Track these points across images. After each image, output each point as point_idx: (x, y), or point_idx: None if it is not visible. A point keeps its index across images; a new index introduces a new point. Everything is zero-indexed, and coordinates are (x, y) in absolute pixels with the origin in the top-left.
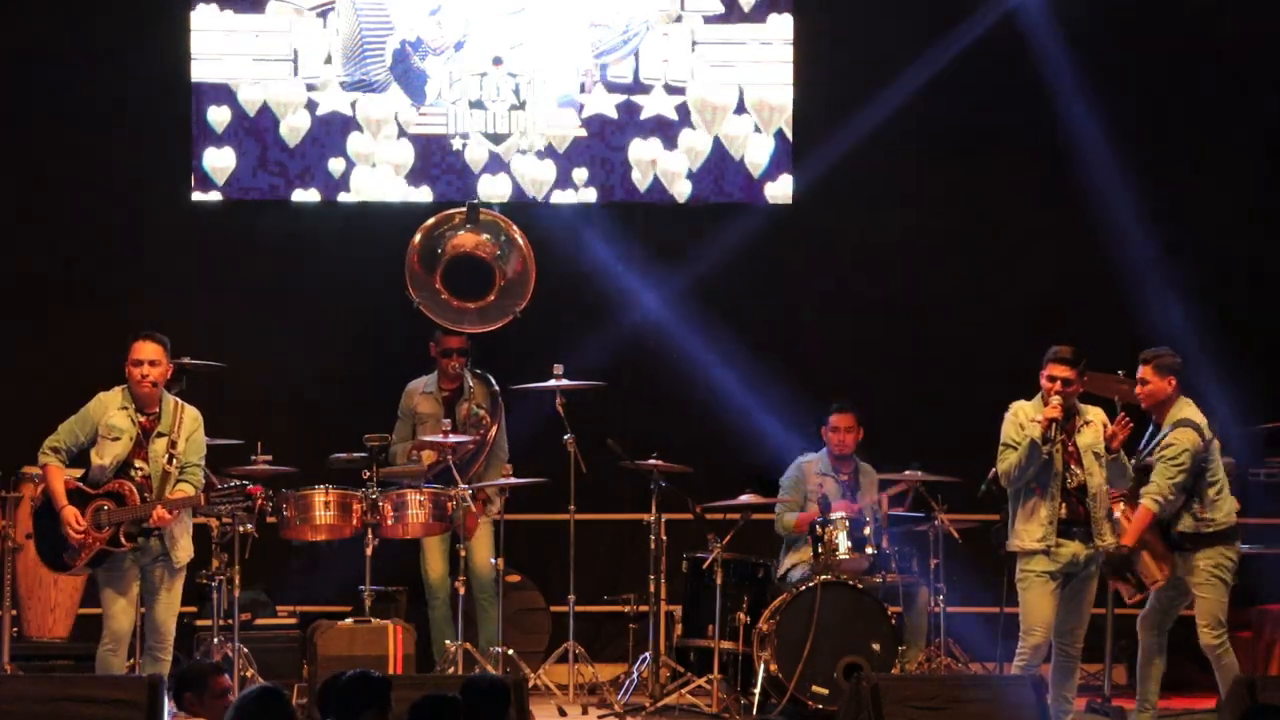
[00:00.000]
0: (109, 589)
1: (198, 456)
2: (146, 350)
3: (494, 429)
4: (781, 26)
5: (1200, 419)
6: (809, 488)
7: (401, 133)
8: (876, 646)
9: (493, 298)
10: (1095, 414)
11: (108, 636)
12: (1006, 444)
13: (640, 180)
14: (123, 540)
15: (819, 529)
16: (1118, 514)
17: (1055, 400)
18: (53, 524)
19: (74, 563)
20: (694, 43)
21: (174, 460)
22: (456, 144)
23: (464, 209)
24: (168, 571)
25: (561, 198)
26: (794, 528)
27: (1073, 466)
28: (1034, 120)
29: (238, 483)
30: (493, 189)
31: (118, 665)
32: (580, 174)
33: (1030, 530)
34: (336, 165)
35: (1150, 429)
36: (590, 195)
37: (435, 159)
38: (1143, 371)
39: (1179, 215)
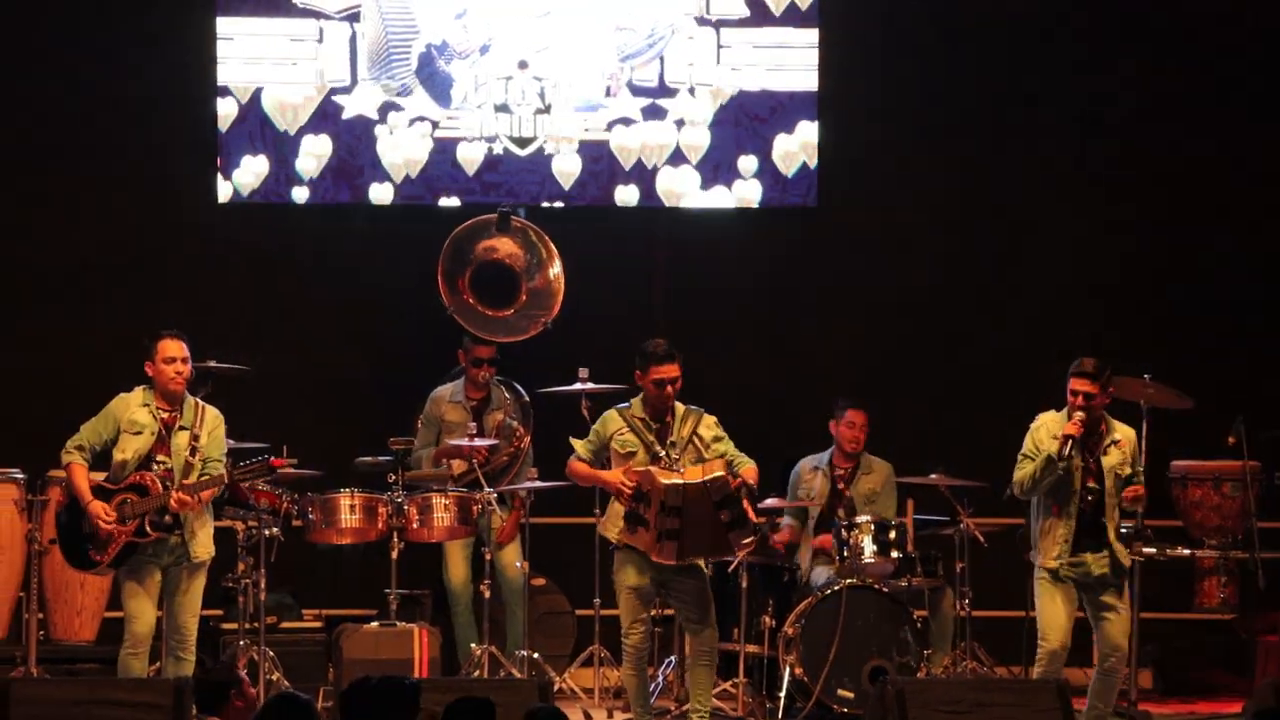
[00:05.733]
0: (130, 590)
1: (219, 452)
2: (177, 348)
3: (527, 439)
4: (807, 30)
5: None
6: (800, 493)
7: (428, 136)
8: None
9: (519, 305)
10: (1125, 434)
11: (129, 639)
12: (1025, 454)
13: (664, 183)
14: (148, 530)
15: (844, 533)
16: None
17: (1077, 416)
18: (77, 522)
19: (100, 559)
20: (719, 46)
21: (196, 453)
22: (482, 148)
23: (495, 215)
24: (187, 570)
25: (587, 200)
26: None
27: (1090, 484)
28: (1057, 118)
29: (261, 458)
30: (520, 194)
31: (139, 669)
32: (604, 177)
33: (1047, 549)
34: (363, 169)
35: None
36: (613, 198)
37: (461, 163)
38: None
39: (1201, 214)
